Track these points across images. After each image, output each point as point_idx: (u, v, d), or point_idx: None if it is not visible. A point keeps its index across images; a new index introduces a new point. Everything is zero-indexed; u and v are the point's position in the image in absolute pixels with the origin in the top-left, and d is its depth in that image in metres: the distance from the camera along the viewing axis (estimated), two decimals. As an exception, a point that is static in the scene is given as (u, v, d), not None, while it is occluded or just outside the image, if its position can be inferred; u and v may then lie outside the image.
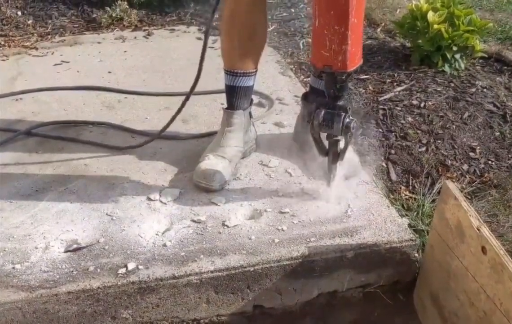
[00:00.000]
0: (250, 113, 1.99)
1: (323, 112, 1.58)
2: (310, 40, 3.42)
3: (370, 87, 2.69)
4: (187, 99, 1.83)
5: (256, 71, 1.92)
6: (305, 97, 2.05)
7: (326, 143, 1.65)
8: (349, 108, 1.58)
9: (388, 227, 1.63)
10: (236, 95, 1.91)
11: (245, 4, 1.79)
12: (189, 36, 3.39)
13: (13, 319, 1.40)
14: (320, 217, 1.67)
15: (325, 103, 1.59)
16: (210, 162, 1.81)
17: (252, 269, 1.49)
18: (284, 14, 3.98)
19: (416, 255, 1.60)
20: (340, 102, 1.58)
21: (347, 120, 1.57)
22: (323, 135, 1.64)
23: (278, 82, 2.74)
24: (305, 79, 2.87)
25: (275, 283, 1.52)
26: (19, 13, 3.71)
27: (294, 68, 3.00)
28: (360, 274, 1.58)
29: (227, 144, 1.89)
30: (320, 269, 1.54)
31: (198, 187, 1.80)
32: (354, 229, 1.62)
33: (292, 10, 4.07)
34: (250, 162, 1.97)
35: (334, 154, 1.65)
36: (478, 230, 1.29)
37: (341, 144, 1.63)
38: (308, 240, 1.57)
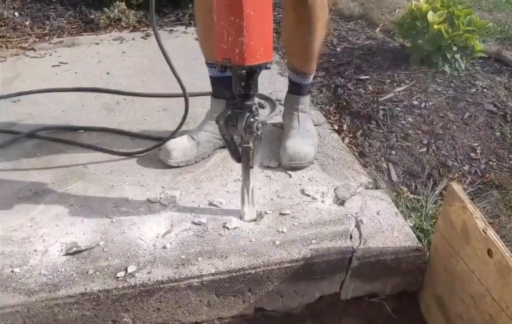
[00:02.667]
0: None
1: (229, 111, 1.55)
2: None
3: (370, 88, 2.68)
4: (187, 102, 1.85)
5: None
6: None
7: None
8: (256, 108, 1.54)
9: (395, 235, 1.60)
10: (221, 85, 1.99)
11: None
12: (188, 37, 3.37)
13: (13, 323, 1.38)
14: (321, 220, 1.65)
15: (233, 103, 1.57)
16: (176, 141, 1.93)
17: (253, 271, 1.48)
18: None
19: (424, 265, 1.57)
20: (247, 102, 1.54)
21: (251, 120, 1.52)
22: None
23: (277, 83, 2.73)
24: (304, 80, 2.86)
25: (277, 285, 1.51)
26: (17, 14, 3.70)
27: (293, 69, 2.99)
28: (364, 283, 1.56)
29: (203, 128, 2.00)
30: (322, 271, 1.52)
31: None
32: (359, 236, 1.59)
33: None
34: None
35: (245, 161, 1.60)
36: (484, 232, 1.28)
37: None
38: (309, 242, 1.55)
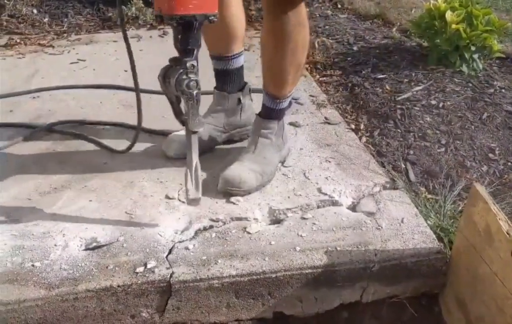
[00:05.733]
0: (239, 99, 2.02)
1: (167, 67, 1.48)
2: (325, 39, 3.41)
3: (387, 87, 2.67)
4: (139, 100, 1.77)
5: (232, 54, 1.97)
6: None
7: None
8: (193, 65, 1.44)
9: (416, 237, 1.58)
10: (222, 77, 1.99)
11: None
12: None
13: (33, 317, 1.39)
14: (341, 224, 1.64)
15: (173, 59, 1.49)
16: (177, 133, 1.94)
17: (274, 275, 1.47)
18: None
19: (445, 267, 1.55)
20: (184, 58, 1.44)
21: (183, 77, 1.43)
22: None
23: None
24: (320, 79, 2.86)
25: (296, 290, 1.50)
26: (35, 11, 3.73)
27: (309, 68, 2.99)
28: (385, 286, 1.54)
29: (205, 121, 1.91)
30: (343, 279, 1.51)
31: None
32: (379, 239, 1.58)
33: (307, 9, 4.05)
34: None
35: (186, 126, 1.51)
36: (508, 234, 1.26)
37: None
38: (330, 248, 1.53)
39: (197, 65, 1.46)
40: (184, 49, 1.44)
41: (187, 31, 1.42)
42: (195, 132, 1.52)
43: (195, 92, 1.46)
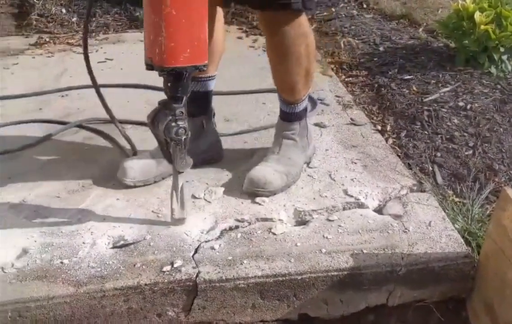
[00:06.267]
0: (202, 123, 1.92)
1: (156, 110, 1.50)
2: (351, 39, 3.40)
3: (414, 88, 2.65)
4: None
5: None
6: None
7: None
8: (181, 112, 1.48)
9: (443, 241, 1.57)
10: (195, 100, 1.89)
11: None
12: (230, 35, 3.39)
13: (61, 313, 1.41)
14: (367, 226, 1.63)
15: (163, 102, 1.51)
16: (134, 160, 1.86)
17: (299, 277, 1.47)
18: (325, 13, 3.95)
19: (473, 272, 1.53)
20: (174, 104, 1.47)
21: (172, 124, 1.47)
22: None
23: (318, 82, 2.72)
24: (346, 79, 2.85)
25: (322, 292, 1.50)
26: (64, 10, 3.78)
27: (335, 68, 2.99)
28: (411, 290, 1.53)
29: None
30: (369, 282, 1.50)
31: None
32: (406, 242, 1.57)
33: (333, 9, 4.04)
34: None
35: (175, 161, 1.55)
36: (538, 238, 1.25)
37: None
38: (356, 251, 1.53)
39: (185, 111, 1.50)
40: (174, 96, 1.48)
41: (177, 81, 1.45)
42: (181, 173, 1.57)
43: (183, 138, 1.50)
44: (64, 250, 1.54)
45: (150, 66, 1.46)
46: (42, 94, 2.54)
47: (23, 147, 2.06)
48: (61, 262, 1.49)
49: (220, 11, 1.87)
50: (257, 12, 1.73)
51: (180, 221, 1.62)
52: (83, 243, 1.56)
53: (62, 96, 2.54)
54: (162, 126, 1.48)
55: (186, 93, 1.49)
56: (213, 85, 1.94)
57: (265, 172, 1.77)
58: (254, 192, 1.75)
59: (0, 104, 2.46)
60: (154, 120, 1.51)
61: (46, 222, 1.65)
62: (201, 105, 1.91)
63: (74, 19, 3.66)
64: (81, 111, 2.34)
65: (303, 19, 1.71)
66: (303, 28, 1.72)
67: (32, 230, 1.61)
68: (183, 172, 1.57)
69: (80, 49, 3.17)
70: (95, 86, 1.72)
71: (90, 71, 1.69)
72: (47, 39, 3.34)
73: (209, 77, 1.90)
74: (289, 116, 1.87)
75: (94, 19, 3.65)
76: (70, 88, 2.57)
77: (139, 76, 2.71)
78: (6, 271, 1.46)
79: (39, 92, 2.55)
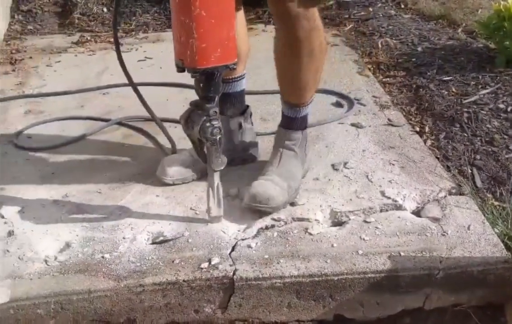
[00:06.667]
0: (240, 123, 1.92)
1: (189, 111, 1.50)
2: (388, 39, 3.37)
3: (453, 89, 2.61)
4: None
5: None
6: None
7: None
8: (215, 112, 1.48)
9: (482, 245, 1.54)
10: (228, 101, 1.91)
11: None
12: (267, 35, 3.40)
13: (101, 307, 1.45)
14: (405, 229, 1.62)
15: (195, 103, 1.51)
16: (174, 157, 1.89)
17: (336, 278, 1.47)
18: (362, 13, 3.93)
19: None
20: (207, 104, 1.48)
21: (207, 124, 1.47)
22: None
23: (355, 82, 2.72)
24: (383, 80, 2.83)
25: (358, 294, 1.49)
26: (105, 9, 3.86)
27: (372, 68, 2.97)
28: (449, 294, 1.51)
29: None
30: (406, 285, 1.49)
31: None
32: (445, 245, 1.55)
33: (370, 9, 4.02)
34: (327, 162, 1.97)
35: (210, 160, 1.55)
36: None
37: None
38: (394, 253, 1.52)
39: (218, 110, 1.51)
40: (206, 96, 1.48)
41: (209, 81, 1.45)
42: (217, 171, 1.58)
43: (218, 137, 1.51)
44: (105, 245, 1.57)
45: (181, 69, 1.47)
46: (84, 92, 2.61)
47: (65, 143, 2.13)
48: (102, 256, 1.53)
49: (241, 12, 1.86)
50: (272, 5, 1.68)
51: (217, 219, 1.64)
52: (124, 238, 1.60)
53: (103, 94, 2.60)
54: (197, 127, 1.50)
55: (218, 93, 1.50)
56: (244, 84, 1.94)
57: (266, 186, 1.69)
58: (256, 208, 1.67)
59: (43, 101, 2.53)
60: (187, 121, 1.52)
61: (88, 217, 1.69)
62: (236, 105, 1.92)
63: (115, 18, 3.73)
64: (122, 109, 2.39)
65: (316, 12, 1.67)
66: (317, 21, 1.68)
67: (74, 224, 1.65)
68: (218, 171, 1.58)
69: (121, 48, 3.23)
70: (132, 84, 1.73)
71: (124, 69, 1.70)
72: (89, 38, 3.42)
73: (240, 76, 1.90)
74: (292, 122, 1.80)
75: (134, 18, 3.72)
76: (110, 86, 2.63)
77: (178, 74, 2.74)
78: (49, 263, 1.50)
79: (80, 89, 2.62)
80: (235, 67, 1.47)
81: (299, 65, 1.70)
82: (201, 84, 1.48)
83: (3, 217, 1.69)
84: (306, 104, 1.79)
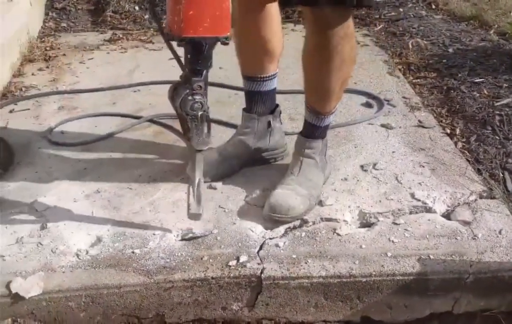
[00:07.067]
0: (269, 122, 1.92)
1: (176, 83, 1.44)
2: (419, 40, 3.34)
3: (485, 91, 2.58)
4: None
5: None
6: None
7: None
8: (200, 86, 1.41)
9: (515, 251, 1.53)
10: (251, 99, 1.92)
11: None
12: (296, 34, 3.40)
13: (131, 301, 1.47)
14: (435, 231, 1.61)
15: (183, 75, 1.45)
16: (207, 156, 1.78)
17: (364, 280, 1.47)
18: (392, 13, 3.91)
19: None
20: (193, 77, 1.40)
21: (188, 97, 1.41)
22: None
23: (386, 82, 2.70)
24: (414, 81, 2.81)
25: (386, 296, 1.48)
26: (137, 8, 3.90)
27: (402, 69, 2.95)
28: (479, 299, 1.50)
29: (230, 143, 1.94)
30: (435, 288, 1.48)
31: None
32: (475, 249, 1.54)
33: (401, 9, 3.99)
34: (356, 163, 1.96)
35: (191, 139, 1.48)
36: None
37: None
38: (423, 256, 1.51)
39: (206, 85, 1.45)
40: (193, 69, 1.41)
41: (196, 52, 1.39)
42: (199, 151, 1.51)
43: (199, 113, 1.44)
44: (135, 240, 1.59)
45: (170, 36, 1.40)
46: (116, 89, 2.64)
47: (97, 139, 2.16)
48: (133, 252, 1.55)
49: (276, 9, 1.85)
50: (306, 9, 1.64)
51: (196, 216, 1.55)
52: (153, 234, 1.62)
53: (134, 91, 2.63)
54: (178, 99, 1.43)
55: (207, 67, 1.43)
56: (276, 83, 1.93)
57: (287, 196, 1.67)
58: (276, 219, 1.65)
59: (76, 98, 2.58)
60: (173, 94, 1.46)
61: (119, 212, 1.71)
62: (266, 104, 1.92)
63: (146, 16, 3.77)
64: (152, 107, 2.42)
65: (351, 20, 1.64)
66: (351, 29, 1.64)
67: (105, 219, 1.68)
68: (201, 151, 1.51)
69: (152, 46, 3.28)
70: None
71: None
72: (121, 36, 3.46)
73: (271, 75, 1.90)
74: (314, 130, 1.78)
75: (165, 16, 3.75)
76: (142, 84, 2.67)
77: (210, 73, 2.77)
78: (81, 257, 1.53)
79: (112, 87, 2.66)
80: (227, 41, 1.40)
81: (328, 72, 1.67)
82: (189, 56, 1.40)
83: (36, 211, 1.72)
84: (330, 113, 1.77)
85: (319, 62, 1.67)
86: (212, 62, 1.43)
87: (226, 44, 1.40)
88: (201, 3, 1.32)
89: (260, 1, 1.78)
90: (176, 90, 1.45)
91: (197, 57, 1.39)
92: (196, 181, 1.54)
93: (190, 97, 1.42)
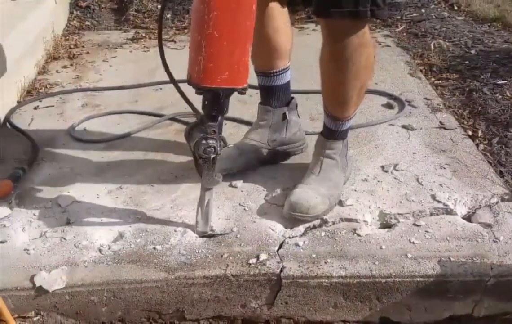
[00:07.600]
0: (284, 114, 1.95)
1: (193, 125, 1.50)
2: (441, 41, 3.32)
3: (508, 94, 2.56)
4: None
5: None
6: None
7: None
8: (214, 132, 1.47)
9: (536, 254, 1.51)
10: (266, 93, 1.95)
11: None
12: (318, 34, 3.36)
13: (152, 297, 1.49)
14: (455, 234, 1.60)
15: (201, 117, 1.49)
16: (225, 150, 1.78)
17: (383, 280, 1.47)
18: (414, 14, 3.88)
19: None
20: (208, 122, 1.46)
21: (203, 141, 1.46)
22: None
23: (407, 83, 2.69)
24: (435, 82, 2.79)
25: (406, 298, 1.48)
26: (159, 7, 3.93)
27: (424, 70, 2.93)
28: (499, 302, 1.49)
29: (248, 137, 1.97)
30: (456, 291, 1.47)
31: None
32: (496, 252, 1.53)
33: (423, 10, 3.96)
34: (377, 164, 1.96)
35: (202, 177, 1.56)
36: None
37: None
38: (443, 258, 1.50)
39: (220, 129, 1.50)
40: (209, 114, 1.47)
41: (213, 100, 1.45)
42: (208, 189, 1.58)
43: (212, 156, 1.50)
44: (157, 236, 1.61)
45: (189, 83, 1.47)
46: (138, 87, 2.67)
47: (120, 137, 2.19)
48: (154, 248, 1.57)
49: (279, 8, 1.85)
50: (320, 20, 1.65)
51: (202, 233, 1.62)
52: (175, 230, 1.63)
53: (156, 89, 2.66)
54: (192, 142, 1.50)
55: (222, 113, 1.49)
56: (289, 77, 1.94)
57: (308, 195, 1.67)
58: (296, 218, 1.66)
59: (99, 95, 2.61)
60: (189, 134, 1.53)
61: (141, 209, 1.73)
62: (281, 97, 1.95)
63: (168, 15, 3.80)
64: (174, 105, 2.44)
65: (367, 28, 1.63)
66: (366, 37, 1.63)
67: (127, 215, 1.70)
68: (210, 189, 1.58)
69: (173, 45, 3.31)
70: (173, 81, 1.71)
71: (165, 66, 1.68)
72: (143, 34, 3.49)
73: (282, 70, 1.91)
74: (333, 134, 1.78)
75: (187, 15, 3.78)
76: (164, 82, 2.68)
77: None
78: (103, 252, 1.55)
79: (135, 85, 2.69)
80: (244, 92, 1.46)
81: (343, 81, 1.67)
82: (206, 102, 1.47)
83: (60, 206, 1.75)
84: (349, 118, 1.77)
85: (335, 70, 1.67)
86: (228, 108, 1.50)
87: (243, 94, 1.46)
88: (222, 57, 1.38)
89: (260, 1, 1.79)
90: (191, 131, 1.52)
91: (213, 104, 1.45)
92: (205, 201, 1.59)
93: (204, 141, 1.48)
